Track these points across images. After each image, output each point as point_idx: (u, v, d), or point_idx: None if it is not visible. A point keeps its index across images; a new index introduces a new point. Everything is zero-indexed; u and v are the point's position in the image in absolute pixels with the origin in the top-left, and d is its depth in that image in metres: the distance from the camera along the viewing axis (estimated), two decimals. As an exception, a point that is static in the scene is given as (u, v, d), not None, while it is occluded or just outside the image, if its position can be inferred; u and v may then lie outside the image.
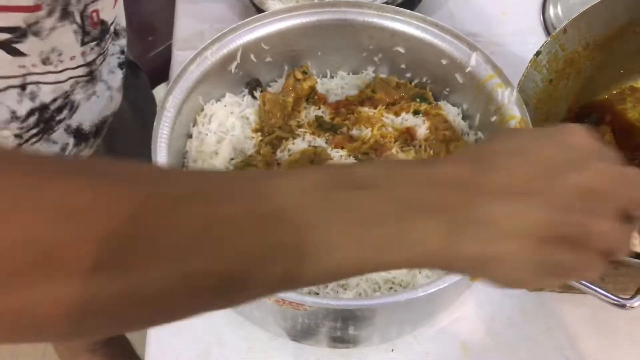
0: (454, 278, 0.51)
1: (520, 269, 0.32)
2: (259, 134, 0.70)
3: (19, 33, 0.55)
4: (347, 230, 0.30)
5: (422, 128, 0.71)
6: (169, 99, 0.64)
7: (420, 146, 0.70)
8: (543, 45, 0.66)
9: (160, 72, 0.98)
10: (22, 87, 0.60)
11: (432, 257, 0.32)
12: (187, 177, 0.32)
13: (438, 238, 0.31)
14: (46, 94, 0.63)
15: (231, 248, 0.29)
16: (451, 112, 0.73)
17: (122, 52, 0.77)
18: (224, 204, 0.29)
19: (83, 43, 0.62)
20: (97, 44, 0.65)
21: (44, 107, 0.64)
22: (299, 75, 0.72)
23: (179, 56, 0.86)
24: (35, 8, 0.54)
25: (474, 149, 0.35)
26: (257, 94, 0.73)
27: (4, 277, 0.25)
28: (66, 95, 0.66)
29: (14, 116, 0.61)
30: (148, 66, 1.06)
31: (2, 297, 0.25)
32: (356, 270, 0.32)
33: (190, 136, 0.70)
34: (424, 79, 0.75)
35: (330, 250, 0.30)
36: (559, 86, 0.70)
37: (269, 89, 0.74)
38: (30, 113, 0.63)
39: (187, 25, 0.89)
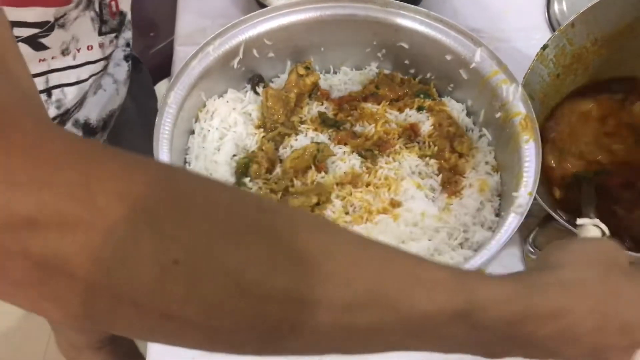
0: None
1: None
2: (262, 130, 0.69)
3: (48, 27, 0.55)
4: None
5: (426, 124, 0.70)
6: (171, 95, 0.63)
7: (424, 142, 0.70)
8: (550, 38, 0.65)
9: (162, 68, 0.97)
10: (48, 92, 0.60)
11: None
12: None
13: None
14: (71, 100, 0.64)
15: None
16: (455, 108, 0.72)
17: (128, 44, 0.77)
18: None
19: (101, 32, 0.62)
20: (116, 36, 0.65)
21: (66, 112, 0.65)
22: (302, 71, 0.72)
23: (181, 52, 0.85)
24: (67, 1, 0.55)
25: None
26: (259, 89, 0.72)
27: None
28: (85, 95, 0.66)
29: None
30: (150, 62, 1.05)
31: None
32: None
33: (192, 132, 0.69)
34: (428, 75, 0.74)
35: None
36: (566, 82, 0.70)
37: (271, 84, 0.74)
38: (53, 119, 0.63)
39: (189, 21, 0.89)
